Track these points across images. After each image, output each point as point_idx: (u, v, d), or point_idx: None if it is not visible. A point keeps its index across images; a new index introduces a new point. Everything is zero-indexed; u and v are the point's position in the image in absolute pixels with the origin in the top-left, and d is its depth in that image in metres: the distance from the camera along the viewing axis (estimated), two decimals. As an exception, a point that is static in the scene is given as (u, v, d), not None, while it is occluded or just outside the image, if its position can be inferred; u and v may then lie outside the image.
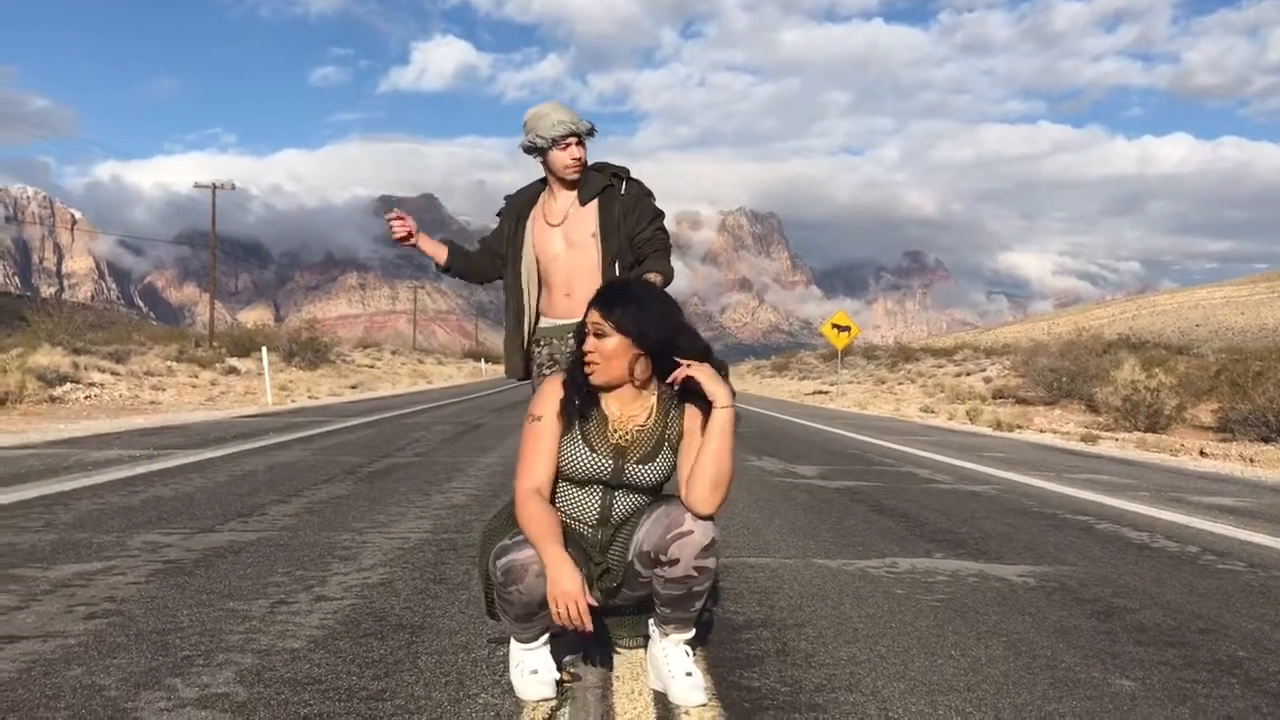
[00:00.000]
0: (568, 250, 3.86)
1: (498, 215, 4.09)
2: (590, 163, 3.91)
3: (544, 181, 3.97)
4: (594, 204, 3.87)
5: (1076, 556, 5.37)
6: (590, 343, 2.82)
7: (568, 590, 2.59)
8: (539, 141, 3.79)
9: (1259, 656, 3.48)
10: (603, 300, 2.84)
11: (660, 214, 3.96)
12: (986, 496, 8.07)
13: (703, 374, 2.76)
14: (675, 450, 2.90)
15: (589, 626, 2.62)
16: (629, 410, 2.90)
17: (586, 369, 2.83)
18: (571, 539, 2.79)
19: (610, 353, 2.81)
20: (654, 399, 2.91)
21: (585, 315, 2.86)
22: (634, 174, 3.97)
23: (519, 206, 4.00)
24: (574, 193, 3.89)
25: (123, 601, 3.77)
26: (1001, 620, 3.87)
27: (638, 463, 2.87)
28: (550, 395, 2.89)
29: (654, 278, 3.68)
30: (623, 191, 3.90)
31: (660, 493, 2.95)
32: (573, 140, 3.79)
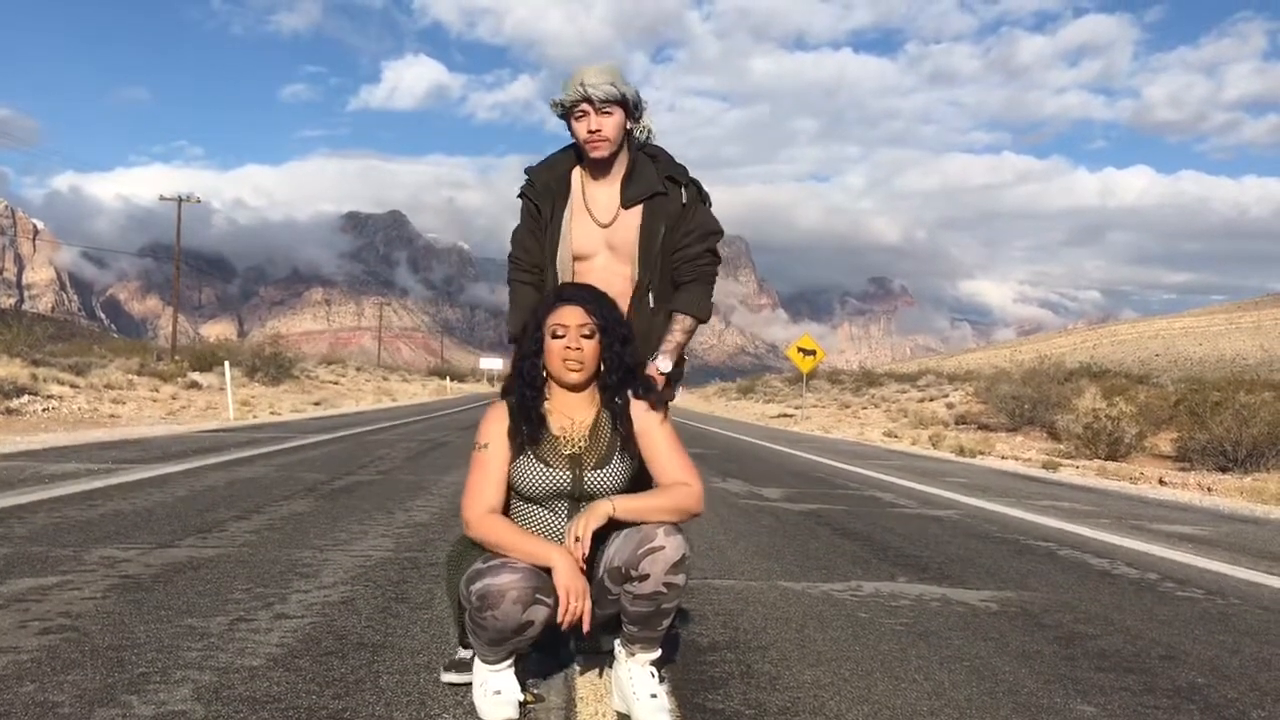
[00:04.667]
0: (608, 257, 3.24)
1: (521, 195, 3.32)
2: (647, 144, 3.25)
3: (573, 152, 3.27)
4: (639, 210, 3.21)
5: (1038, 582, 5.40)
6: (578, 341, 2.82)
7: (581, 587, 2.62)
8: (554, 108, 3.14)
9: (1217, 683, 3.51)
10: (585, 300, 2.87)
11: (716, 231, 3.30)
12: (949, 521, 8.11)
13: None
14: (630, 454, 2.91)
15: (586, 627, 2.65)
16: (579, 415, 2.91)
17: (569, 366, 2.83)
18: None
19: (592, 353, 2.84)
20: (598, 396, 2.94)
21: (553, 314, 2.85)
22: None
23: (552, 187, 3.25)
24: (614, 183, 3.22)
25: (78, 617, 3.70)
26: (965, 645, 3.88)
27: (594, 468, 2.87)
28: (496, 421, 2.89)
29: (685, 323, 3.23)
30: (684, 200, 3.24)
31: None
32: (588, 107, 3.07)
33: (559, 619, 2.63)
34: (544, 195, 3.26)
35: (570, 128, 3.15)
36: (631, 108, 3.14)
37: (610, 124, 3.09)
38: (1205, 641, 4.15)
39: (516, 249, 3.36)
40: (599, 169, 3.20)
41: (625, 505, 2.72)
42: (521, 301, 3.27)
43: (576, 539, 2.66)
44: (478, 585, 2.65)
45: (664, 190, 3.21)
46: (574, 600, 2.61)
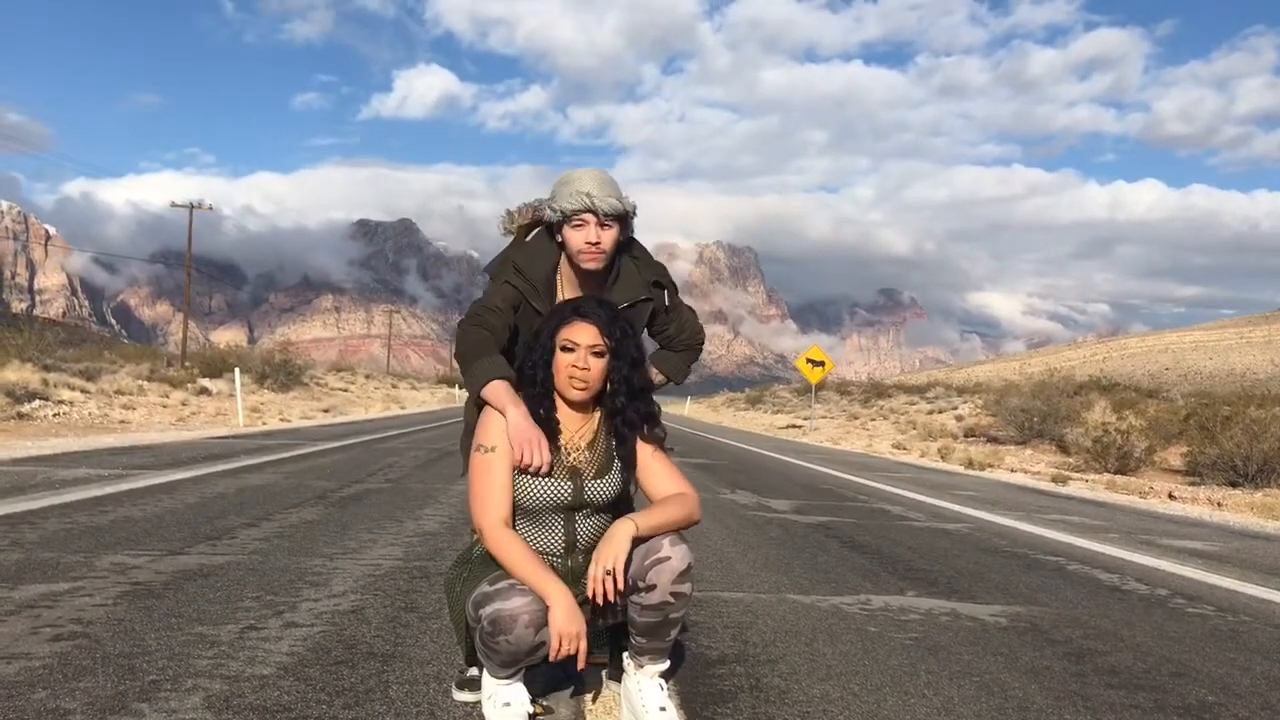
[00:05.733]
0: None
1: (509, 284, 3.10)
2: (630, 247, 3.19)
3: (552, 244, 3.15)
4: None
5: (1048, 597, 5.38)
6: (587, 360, 2.81)
7: (576, 631, 2.59)
8: (549, 213, 3.04)
9: (1228, 701, 3.50)
10: (601, 319, 2.83)
11: (703, 338, 3.45)
12: (959, 535, 8.09)
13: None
14: (627, 466, 2.91)
15: (581, 664, 2.63)
16: (578, 425, 2.91)
17: (574, 384, 2.82)
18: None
19: (599, 373, 2.83)
20: (598, 412, 2.94)
21: (566, 328, 2.83)
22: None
23: (544, 286, 3.13)
24: (595, 288, 3.13)
25: (89, 624, 3.71)
26: (974, 660, 3.87)
27: (593, 478, 2.86)
28: (500, 424, 2.82)
29: (658, 379, 3.28)
30: (666, 303, 3.28)
31: (618, 509, 2.94)
32: (590, 218, 2.98)
33: (551, 657, 2.63)
34: (539, 297, 3.12)
35: (564, 235, 3.05)
36: (628, 220, 3.10)
37: (609, 237, 3.02)
38: (1216, 659, 4.13)
39: (490, 319, 3.06)
40: (586, 276, 3.11)
41: (645, 523, 2.71)
42: (487, 358, 2.97)
43: (607, 572, 2.60)
44: (488, 610, 2.62)
45: (650, 296, 3.21)
46: (566, 644, 2.58)
